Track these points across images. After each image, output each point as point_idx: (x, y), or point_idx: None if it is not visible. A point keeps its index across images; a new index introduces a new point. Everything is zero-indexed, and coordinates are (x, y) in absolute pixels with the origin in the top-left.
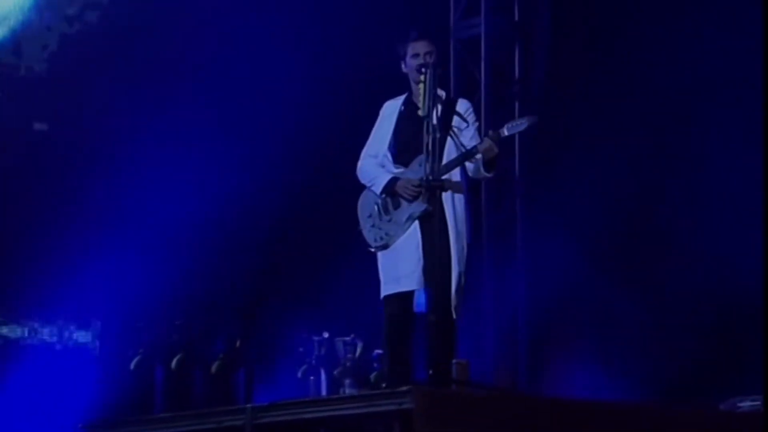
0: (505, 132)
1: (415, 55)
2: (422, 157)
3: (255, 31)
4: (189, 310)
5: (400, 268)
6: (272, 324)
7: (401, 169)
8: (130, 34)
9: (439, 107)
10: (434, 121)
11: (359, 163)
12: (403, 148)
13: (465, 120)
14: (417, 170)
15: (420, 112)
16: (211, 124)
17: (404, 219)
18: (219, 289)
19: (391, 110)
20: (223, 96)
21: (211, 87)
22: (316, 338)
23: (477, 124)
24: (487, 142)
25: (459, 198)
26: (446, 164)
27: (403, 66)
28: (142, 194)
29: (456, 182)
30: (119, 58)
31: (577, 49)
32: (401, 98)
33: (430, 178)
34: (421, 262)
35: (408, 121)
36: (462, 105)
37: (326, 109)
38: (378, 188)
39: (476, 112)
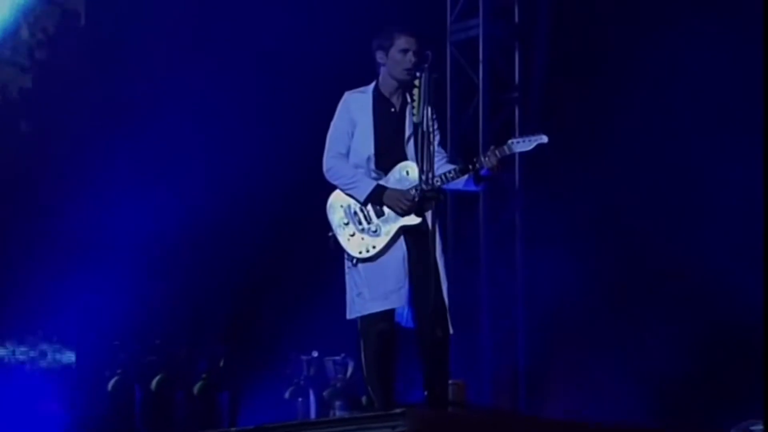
0: (512, 149)
1: (404, 51)
2: (405, 165)
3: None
4: (170, 327)
5: (387, 283)
6: (258, 342)
7: (380, 175)
8: (106, 50)
9: (430, 110)
10: (427, 127)
11: (327, 163)
12: (382, 152)
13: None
14: (401, 179)
15: (414, 119)
16: (190, 143)
17: (394, 231)
18: (201, 305)
19: (359, 105)
20: (198, 119)
21: (182, 113)
22: (304, 357)
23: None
24: (494, 159)
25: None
26: (442, 176)
27: (380, 56)
28: (123, 211)
29: None
30: (94, 80)
31: (581, 53)
32: (367, 90)
33: (425, 188)
34: (408, 277)
35: (384, 120)
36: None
37: (315, 119)
38: (361, 196)
39: (474, 118)
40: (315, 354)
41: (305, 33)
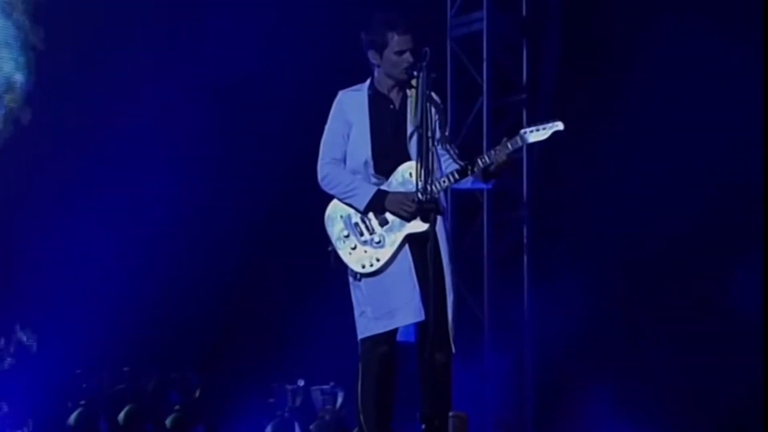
0: (525, 139)
1: (401, 52)
2: (409, 166)
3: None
4: (139, 353)
5: (394, 299)
6: (237, 370)
7: (381, 180)
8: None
9: (434, 111)
10: (425, 132)
11: (322, 170)
12: (381, 154)
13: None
14: (405, 182)
15: (413, 122)
16: (162, 162)
17: (399, 240)
18: (175, 329)
19: (354, 104)
20: (170, 132)
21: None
22: (289, 387)
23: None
24: (503, 154)
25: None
26: (446, 178)
27: (373, 56)
28: (87, 229)
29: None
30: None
31: (596, 50)
32: (362, 88)
33: (423, 200)
34: (417, 290)
35: (382, 120)
36: (437, 98)
37: (308, 122)
38: (361, 203)
39: (477, 123)
40: (301, 383)
41: (296, 27)
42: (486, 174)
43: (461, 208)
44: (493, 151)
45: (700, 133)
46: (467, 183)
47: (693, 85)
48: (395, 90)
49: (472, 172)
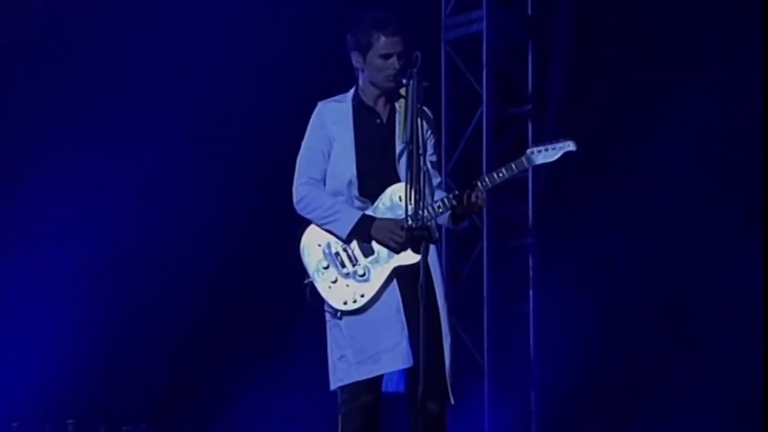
0: (533, 161)
1: (387, 56)
2: (398, 188)
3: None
4: (84, 402)
5: (379, 341)
6: (196, 423)
7: (367, 204)
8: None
9: (425, 127)
10: (416, 148)
11: (298, 192)
12: (366, 174)
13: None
14: (393, 207)
15: (401, 139)
16: (128, 181)
17: (387, 274)
18: (124, 373)
19: (336, 117)
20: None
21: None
22: None
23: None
24: (512, 173)
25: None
26: (441, 202)
27: (357, 58)
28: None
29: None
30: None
31: (610, 54)
32: (346, 99)
33: (413, 225)
34: (406, 332)
35: (368, 135)
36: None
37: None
38: (343, 230)
39: (475, 137)
40: None
41: (288, 28)
42: (454, 215)
43: (457, 237)
44: (495, 174)
45: (720, 162)
46: (444, 219)
47: (717, 104)
48: (382, 101)
49: (469, 198)
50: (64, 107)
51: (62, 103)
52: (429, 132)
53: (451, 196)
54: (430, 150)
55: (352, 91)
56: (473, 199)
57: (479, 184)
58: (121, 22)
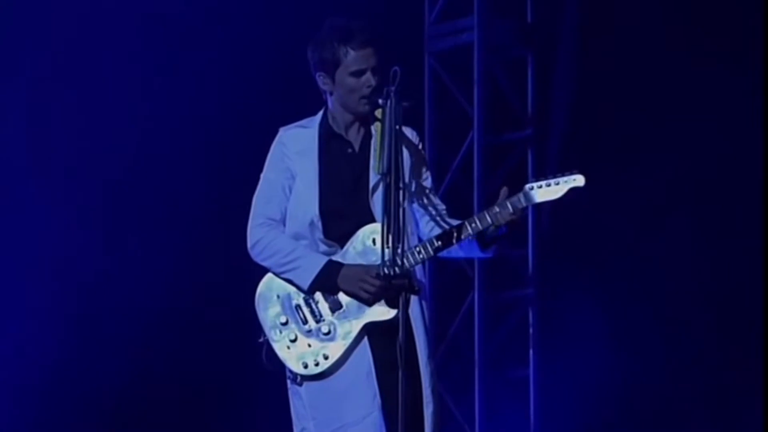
0: (531, 198)
1: (359, 72)
2: (372, 230)
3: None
4: None
5: (346, 411)
6: None
7: (334, 248)
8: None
9: (406, 154)
10: (398, 182)
11: (253, 235)
12: (333, 213)
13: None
14: (365, 252)
15: (375, 169)
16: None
17: (356, 332)
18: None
19: (299, 146)
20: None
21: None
22: None
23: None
24: (507, 213)
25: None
26: (424, 245)
27: (323, 80)
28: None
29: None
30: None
31: (624, 68)
32: (312, 124)
33: (389, 273)
34: (378, 400)
35: (336, 166)
36: (410, 133)
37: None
38: (304, 280)
39: (465, 166)
40: None
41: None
42: (483, 239)
43: (444, 286)
44: (487, 213)
45: (738, 205)
46: (457, 251)
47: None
48: (354, 126)
49: (458, 240)
50: (47, 105)
51: (45, 101)
52: (411, 159)
53: (434, 238)
54: (414, 182)
55: (319, 114)
56: (462, 237)
57: (467, 225)
58: (105, 21)
